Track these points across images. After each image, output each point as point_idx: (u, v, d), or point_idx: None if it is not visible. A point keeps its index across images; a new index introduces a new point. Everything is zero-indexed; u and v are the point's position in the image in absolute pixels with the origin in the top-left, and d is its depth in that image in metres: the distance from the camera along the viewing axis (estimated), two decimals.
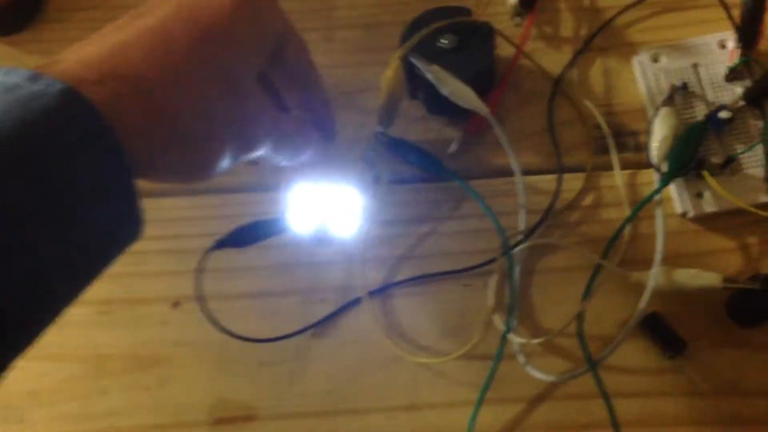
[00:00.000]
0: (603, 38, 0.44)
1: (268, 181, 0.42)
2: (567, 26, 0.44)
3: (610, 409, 0.36)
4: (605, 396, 0.36)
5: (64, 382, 0.39)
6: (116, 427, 0.38)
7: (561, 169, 0.41)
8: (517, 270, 0.39)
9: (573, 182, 0.41)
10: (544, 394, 0.37)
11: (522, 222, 0.40)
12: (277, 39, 0.30)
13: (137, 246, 0.44)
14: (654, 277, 0.36)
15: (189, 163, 0.27)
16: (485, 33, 0.40)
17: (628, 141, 0.42)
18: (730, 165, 0.39)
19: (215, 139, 0.27)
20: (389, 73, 0.40)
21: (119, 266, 0.44)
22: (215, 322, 0.37)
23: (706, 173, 0.38)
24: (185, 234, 0.42)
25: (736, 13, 0.40)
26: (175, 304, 0.40)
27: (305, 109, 0.35)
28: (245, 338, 0.38)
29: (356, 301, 0.40)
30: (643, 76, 0.42)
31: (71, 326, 0.40)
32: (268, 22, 0.30)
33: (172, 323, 0.40)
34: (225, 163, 0.28)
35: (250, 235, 0.38)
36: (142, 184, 0.25)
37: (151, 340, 0.40)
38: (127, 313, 0.40)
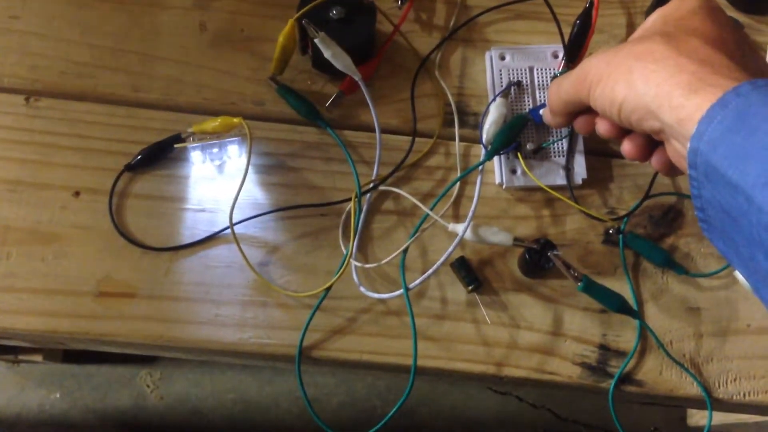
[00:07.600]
0: (466, 31, 0.53)
1: (176, 102, 0.49)
2: (440, 16, 0.53)
3: (413, 324, 0.46)
4: (411, 314, 0.46)
5: None
6: (14, 288, 0.46)
7: (414, 133, 0.51)
8: (364, 209, 0.49)
9: (422, 145, 0.50)
10: (368, 308, 0.48)
11: (375, 171, 0.49)
12: None
13: (48, 139, 0.52)
14: (463, 228, 0.46)
15: None
16: (369, 10, 0.49)
17: (469, 119, 0.51)
18: (540, 152, 0.49)
19: None
20: (285, 30, 0.48)
21: (29, 154, 0.51)
22: (110, 215, 0.45)
23: (520, 155, 0.49)
24: (92, 136, 0.49)
25: (569, 30, 0.49)
26: (76, 194, 0.48)
27: None
28: (130, 240, 0.47)
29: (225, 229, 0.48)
30: (490, 69, 0.51)
31: None
32: None
33: (71, 209, 0.47)
34: None
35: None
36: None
37: (51, 220, 0.47)
38: (32, 194, 0.47)
